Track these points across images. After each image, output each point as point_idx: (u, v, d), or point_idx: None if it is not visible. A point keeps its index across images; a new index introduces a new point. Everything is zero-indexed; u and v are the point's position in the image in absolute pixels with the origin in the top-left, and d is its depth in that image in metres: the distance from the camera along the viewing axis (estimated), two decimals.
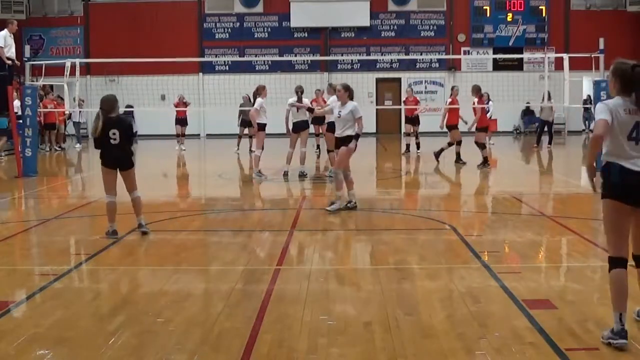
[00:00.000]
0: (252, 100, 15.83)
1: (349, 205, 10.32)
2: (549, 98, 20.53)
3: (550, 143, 22.79)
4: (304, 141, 14.46)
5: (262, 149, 14.65)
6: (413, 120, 20.82)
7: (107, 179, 8.51)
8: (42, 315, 5.51)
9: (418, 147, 20.52)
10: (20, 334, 5.03)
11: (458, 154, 17.25)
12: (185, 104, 22.82)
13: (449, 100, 17.63)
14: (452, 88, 18.07)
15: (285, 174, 14.42)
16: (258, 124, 14.28)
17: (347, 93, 10.19)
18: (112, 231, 8.42)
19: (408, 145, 20.90)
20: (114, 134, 8.30)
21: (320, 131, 21.15)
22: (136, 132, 30.75)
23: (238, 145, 21.68)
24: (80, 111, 25.06)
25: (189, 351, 4.70)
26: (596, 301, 5.83)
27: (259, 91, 14.55)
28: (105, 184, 8.53)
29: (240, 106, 21.41)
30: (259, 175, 14.37)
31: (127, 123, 8.68)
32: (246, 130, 20.83)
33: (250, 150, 20.16)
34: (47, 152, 23.20)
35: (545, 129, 22.75)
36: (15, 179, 15.17)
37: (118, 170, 8.51)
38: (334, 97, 14.01)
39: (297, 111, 14.12)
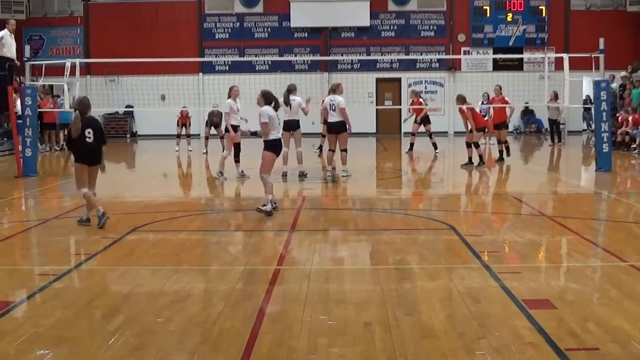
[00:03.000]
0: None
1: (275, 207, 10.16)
2: (556, 98, 21.02)
3: (559, 141, 23.68)
4: (299, 141, 14.45)
5: (235, 149, 14.61)
6: (422, 120, 20.73)
7: (81, 174, 9.30)
8: (42, 315, 5.51)
9: (436, 148, 20.26)
10: (20, 334, 5.04)
11: (506, 148, 17.56)
12: (188, 117, 23.03)
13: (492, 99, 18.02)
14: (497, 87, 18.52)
15: (284, 175, 14.42)
16: (232, 126, 14.30)
17: (263, 99, 10.15)
18: (87, 218, 9.22)
19: (412, 145, 20.83)
20: (89, 132, 9.12)
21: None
22: (136, 132, 30.93)
23: (206, 147, 21.58)
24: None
25: (189, 351, 4.70)
26: (596, 301, 5.83)
27: (229, 92, 14.64)
28: (79, 178, 9.28)
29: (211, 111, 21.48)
30: (221, 175, 14.44)
31: (99, 123, 9.57)
32: (213, 131, 20.93)
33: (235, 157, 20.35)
34: (47, 152, 23.19)
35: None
36: (15, 179, 15.17)
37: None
38: (326, 99, 14.14)
39: (290, 109, 14.10)
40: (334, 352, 4.67)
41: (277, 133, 10.19)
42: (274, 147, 10.14)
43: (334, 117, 14.03)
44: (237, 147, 14.66)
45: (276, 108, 10.22)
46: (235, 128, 14.36)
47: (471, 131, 16.48)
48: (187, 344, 4.82)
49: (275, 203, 10.28)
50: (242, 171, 14.67)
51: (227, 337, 4.97)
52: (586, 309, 5.50)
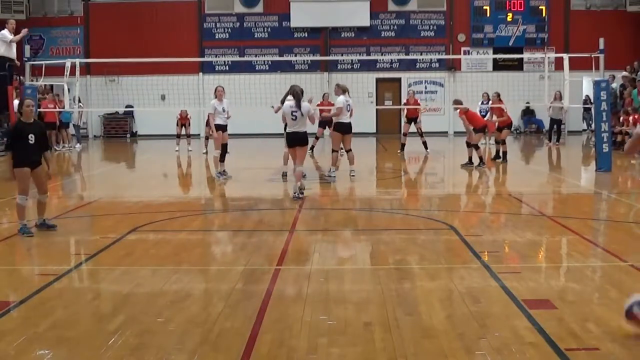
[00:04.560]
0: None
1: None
2: (561, 98, 21.31)
3: (558, 140, 23.82)
4: None
5: (222, 149, 14.61)
6: (415, 120, 20.83)
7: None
8: (42, 315, 5.51)
9: (426, 147, 20.30)
10: (20, 334, 5.04)
11: (503, 153, 17.65)
12: (188, 118, 23.01)
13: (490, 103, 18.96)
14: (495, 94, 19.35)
15: (284, 175, 14.41)
16: (216, 125, 14.34)
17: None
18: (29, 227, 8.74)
19: (403, 145, 20.81)
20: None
21: (323, 134, 21.20)
22: (136, 132, 30.94)
23: (206, 147, 21.54)
24: (81, 112, 25.12)
25: (189, 351, 4.70)
26: (596, 301, 5.83)
27: (215, 93, 14.67)
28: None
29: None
30: (220, 175, 14.43)
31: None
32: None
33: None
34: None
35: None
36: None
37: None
38: (342, 97, 14.15)
39: None
40: (334, 352, 4.67)
41: (290, 127, 11.81)
42: (286, 139, 12.06)
43: (347, 118, 14.15)
44: (223, 148, 14.66)
45: (297, 104, 11.69)
46: (222, 128, 14.42)
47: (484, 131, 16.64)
48: (187, 344, 4.82)
49: (300, 190, 11.66)
50: (224, 171, 14.63)
51: (227, 337, 4.97)
52: (586, 309, 5.50)
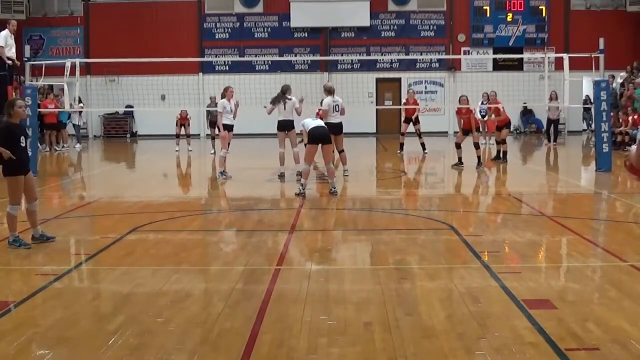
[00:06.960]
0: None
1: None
2: (556, 97, 21.31)
3: (555, 140, 23.78)
4: (294, 142, 14.46)
5: (227, 149, 14.62)
6: (411, 119, 20.76)
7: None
8: (42, 315, 5.51)
9: (424, 148, 20.26)
10: (20, 334, 5.04)
11: (503, 153, 17.63)
12: (187, 118, 22.97)
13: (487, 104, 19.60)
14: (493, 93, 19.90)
15: (281, 176, 14.38)
16: (223, 125, 14.40)
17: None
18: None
19: (402, 145, 20.74)
20: None
21: None
22: (136, 132, 30.94)
23: (213, 146, 21.53)
24: (81, 112, 25.10)
25: (189, 351, 4.70)
26: (596, 301, 5.83)
27: (224, 93, 14.71)
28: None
29: (207, 106, 21.40)
30: (222, 175, 14.44)
31: None
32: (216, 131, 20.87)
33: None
34: (47, 152, 23.20)
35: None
36: None
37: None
38: (328, 99, 14.18)
39: (284, 110, 14.15)
40: (334, 352, 4.67)
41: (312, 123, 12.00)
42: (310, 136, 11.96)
43: (336, 118, 14.18)
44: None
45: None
46: (229, 127, 14.47)
47: (468, 133, 16.46)
48: (187, 344, 4.82)
49: (302, 188, 11.86)
50: (224, 171, 14.62)
51: (227, 337, 4.97)
52: (586, 309, 5.50)
